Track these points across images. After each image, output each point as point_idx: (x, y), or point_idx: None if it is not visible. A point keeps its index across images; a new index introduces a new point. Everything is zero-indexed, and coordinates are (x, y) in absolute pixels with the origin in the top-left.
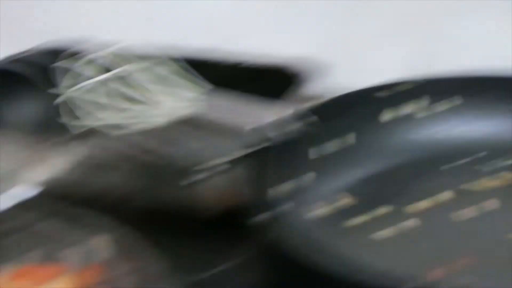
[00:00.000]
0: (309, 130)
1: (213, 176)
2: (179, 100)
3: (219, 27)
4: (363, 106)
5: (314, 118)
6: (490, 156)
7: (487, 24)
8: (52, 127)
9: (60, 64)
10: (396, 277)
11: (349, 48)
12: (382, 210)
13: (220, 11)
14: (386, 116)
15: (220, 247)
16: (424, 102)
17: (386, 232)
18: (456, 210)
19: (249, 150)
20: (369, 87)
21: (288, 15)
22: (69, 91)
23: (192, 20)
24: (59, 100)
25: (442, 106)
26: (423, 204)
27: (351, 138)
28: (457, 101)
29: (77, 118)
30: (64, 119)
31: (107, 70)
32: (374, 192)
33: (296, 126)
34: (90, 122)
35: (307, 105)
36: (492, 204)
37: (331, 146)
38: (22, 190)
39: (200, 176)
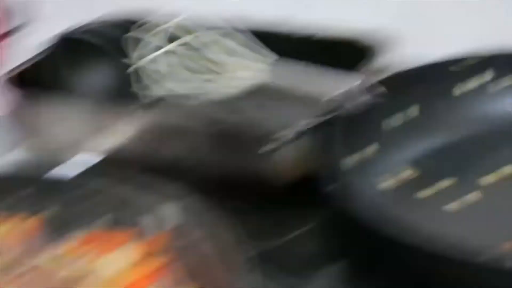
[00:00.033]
0: (378, 102)
1: (284, 145)
2: (247, 70)
3: None
4: (432, 79)
5: (383, 90)
6: None
7: None
8: (122, 96)
9: (130, 34)
10: (469, 249)
11: (421, 20)
12: (446, 183)
13: None
14: (455, 89)
15: (290, 215)
16: (490, 76)
17: (451, 205)
18: None
19: (319, 120)
20: (439, 61)
21: None
22: (139, 61)
23: None
24: (129, 70)
25: (508, 80)
26: (488, 178)
27: (415, 111)
28: None
29: (146, 87)
30: (134, 88)
31: (176, 40)
32: (438, 165)
33: (365, 98)
34: (159, 91)
35: (377, 77)
36: None
37: (398, 118)
38: (91, 157)
39: (271, 145)
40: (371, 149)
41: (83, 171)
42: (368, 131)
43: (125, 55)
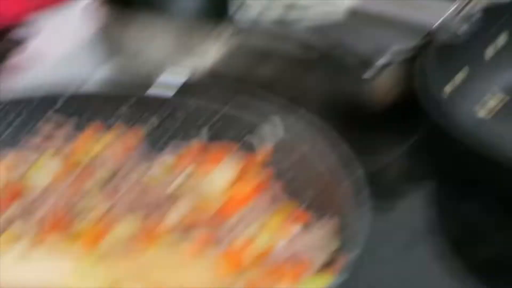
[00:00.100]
0: (472, 31)
1: (380, 70)
2: None
3: None
4: None
5: (478, 18)
6: None
7: None
8: (212, 16)
9: None
10: None
11: None
12: None
13: None
14: None
15: (387, 138)
16: None
17: None
18: None
19: (414, 47)
20: None
21: None
22: None
23: None
24: None
25: None
26: None
27: (505, 39)
28: None
29: (239, 8)
30: (226, 9)
31: None
32: None
33: (461, 25)
34: (252, 14)
35: (470, 6)
36: None
37: (490, 47)
38: (182, 76)
39: (367, 70)
40: (464, 76)
41: (179, 89)
42: (462, 58)
43: None
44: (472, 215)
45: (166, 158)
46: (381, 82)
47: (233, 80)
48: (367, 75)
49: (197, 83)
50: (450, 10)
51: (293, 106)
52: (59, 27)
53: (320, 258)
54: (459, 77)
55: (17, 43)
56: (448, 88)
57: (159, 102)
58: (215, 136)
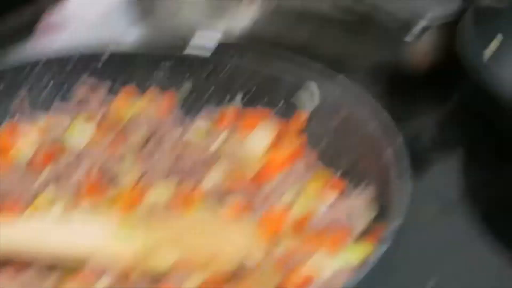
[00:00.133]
0: None
1: (424, 32)
2: None
3: None
4: None
5: None
6: None
7: None
8: None
9: None
10: None
11: None
12: None
13: None
14: None
15: (429, 100)
16: None
17: None
18: None
19: (459, 9)
20: None
21: None
22: None
23: None
24: None
25: None
26: None
27: None
28: None
29: None
30: None
31: None
32: None
33: None
34: None
35: None
36: None
37: None
38: (217, 37)
39: (411, 33)
40: (505, 39)
41: (213, 52)
42: (502, 22)
43: None
44: (506, 184)
45: (201, 123)
46: (421, 45)
47: (269, 43)
48: (407, 38)
49: (232, 46)
50: None
51: (330, 71)
52: None
53: (360, 225)
54: (499, 40)
55: (52, 4)
56: (488, 52)
57: (193, 65)
58: (250, 101)
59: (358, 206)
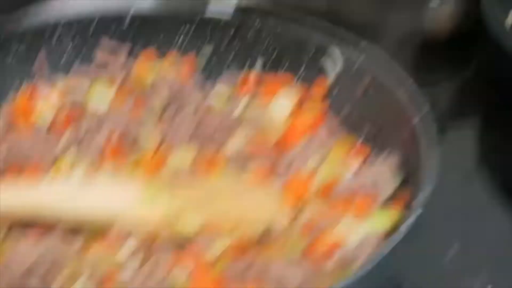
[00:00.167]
0: None
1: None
2: None
3: None
4: None
5: None
6: None
7: None
8: None
9: None
10: None
11: None
12: None
13: None
14: None
15: (449, 67)
16: None
17: None
18: None
19: None
20: None
21: None
22: None
23: None
24: None
25: None
26: None
27: None
28: None
29: None
30: None
31: None
32: None
33: None
34: None
35: None
36: None
37: None
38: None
39: (434, 1)
40: None
41: (233, 16)
42: None
43: None
44: None
45: (222, 88)
46: (444, 11)
47: (290, 7)
48: (432, 4)
49: (253, 10)
50: None
51: (354, 36)
52: None
53: (386, 192)
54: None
55: None
56: (511, 18)
57: (214, 29)
58: (272, 67)
59: (384, 172)
